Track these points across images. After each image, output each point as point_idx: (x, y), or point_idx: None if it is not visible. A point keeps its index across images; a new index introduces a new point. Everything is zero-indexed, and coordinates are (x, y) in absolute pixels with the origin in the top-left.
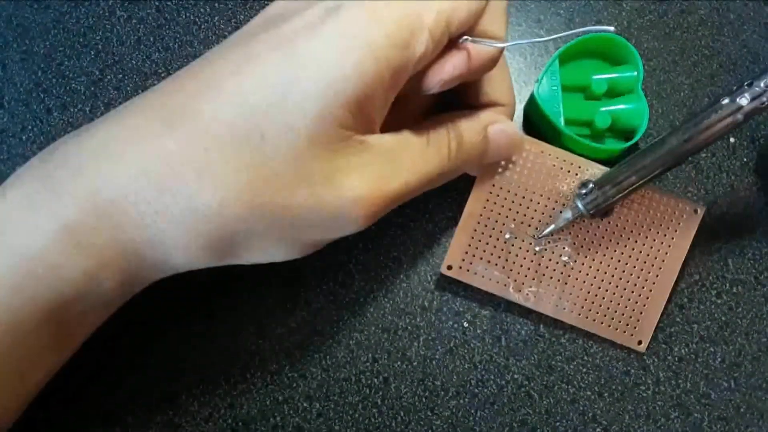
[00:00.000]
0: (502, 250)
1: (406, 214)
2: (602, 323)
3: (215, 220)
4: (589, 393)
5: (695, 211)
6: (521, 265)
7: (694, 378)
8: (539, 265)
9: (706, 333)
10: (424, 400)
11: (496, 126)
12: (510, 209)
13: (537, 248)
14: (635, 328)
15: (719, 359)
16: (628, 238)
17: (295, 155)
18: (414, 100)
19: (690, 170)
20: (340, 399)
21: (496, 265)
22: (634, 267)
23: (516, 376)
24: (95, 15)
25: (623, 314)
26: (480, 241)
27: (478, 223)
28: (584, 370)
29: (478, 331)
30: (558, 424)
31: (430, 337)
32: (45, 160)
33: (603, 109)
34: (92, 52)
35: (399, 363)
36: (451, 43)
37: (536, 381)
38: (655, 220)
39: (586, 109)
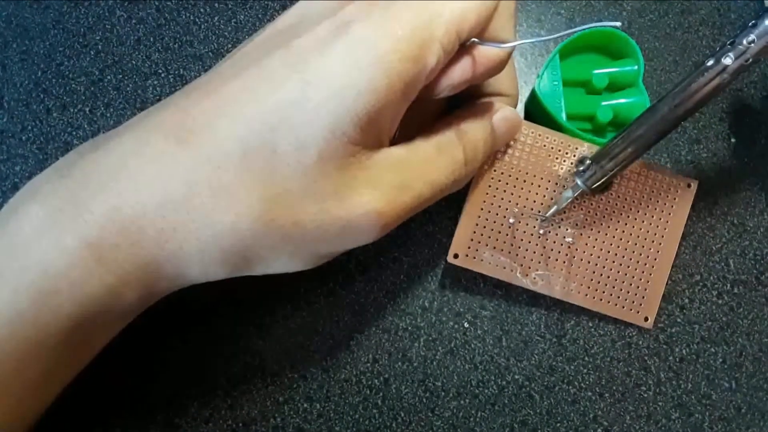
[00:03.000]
0: (507, 235)
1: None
2: (609, 302)
3: (230, 235)
4: (590, 394)
5: (688, 186)
6: (527, 249)
7: (695, 378)
8: (544, 248)
9: (707, 333)
10: (424, 400)
11: (498, 115)
12: (512, 194)
13: (541, 231)
14: (641, 305)
15: (720, 360)
16: (627, 216)
17: (305, 172)
18: (424, 103)
19: (690, 170)
20: (340, 400)
21: (502, 250)
22: (635, 244)
23: (517, 377)
24: (95, 15)
25: (628, 292)
26: (484, 227)
27: (481, 209)
28: (585, 370)
29: (479, 332)
30: (559, 424)
31: (430, 338)
32: (64, 175)
33: (604, 103)
34: (92, 53)
35: (399, 363)
36: (461, 46)
37: (537, 382)
38: (651, 197)
39: (588, 104)
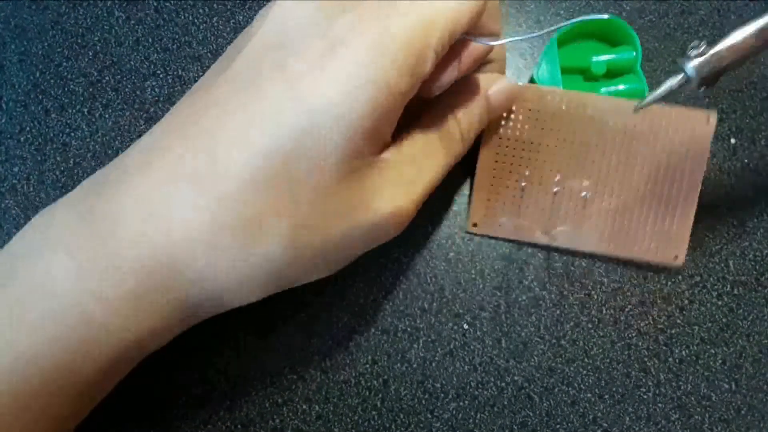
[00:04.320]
0: (522, 198)
1: None
2: (635, 246)
3: (264, 266)
4: (589, 395)
5: (707, 119)
6: (542, 209)
7: (694, 380)
8: (560, 205)
9: (706, 335)
10: (423, 402)
11: (494, 89)
12: (521, 157)
13: (554, 189)
14: (668, 244)
15: (720, 361)
16: (645, 159)
17: (326, 193)
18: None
19: None
20: (339, 401)
21: (519, 213)
22: (656, 185)
23: (516, 378)
24: (93, 16)
25: (654, 233)
26: (498, 193)
27: (493, 177)
28: (584, 372)
29: (478, 333)
30: (558, 426)
31: (429, 339)
32: (86, 219)
33: (603, 89)
34: (90, 53)
35: (399, 365)
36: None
37: (536, 383)
38: (668, 135)
39: (587, 91)
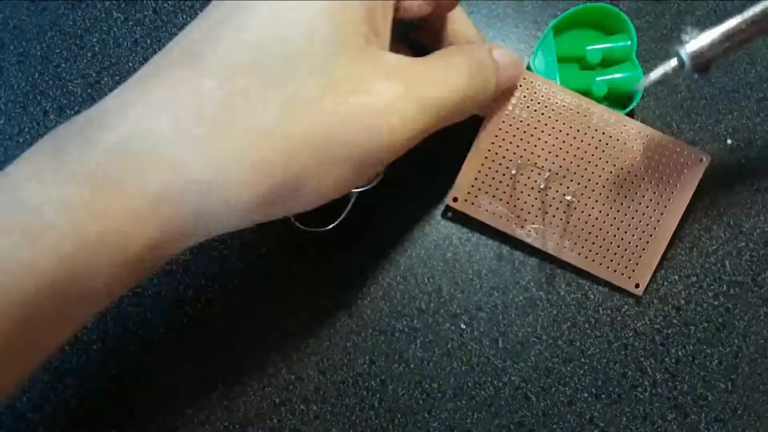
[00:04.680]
0: (508, 185)
1: (404, 215)
2: (601, 264)
3: (255, 145)
4: (586, 395)
5: (701, 160)
6: (525, 202)
7: (691, 380)
8: (543, 203)
9: (703, 335)
10: (421, 402)
11: (497, 51)
12: (518, 146)
13: (542, 185)
14: (633, 270)
15: (716, 361)
16: (632, 182)
17: (317, 68)
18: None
19: None
20: (337, 401)
21: (501, 200)
22: (637, 211)
23: (513, 378)
24: (92, 17)
25: (623, 256)
26: (486, 175)
27: (486, 158)
28: (581, 371)
29: (476, 333)
30: (555, 426)
31: (427, 339)
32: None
33: (599, 78)
34: (89, 54)
35: (396, 365)
36: None
37: (533, 383)
38: (661, 165)
39: (583, 79)
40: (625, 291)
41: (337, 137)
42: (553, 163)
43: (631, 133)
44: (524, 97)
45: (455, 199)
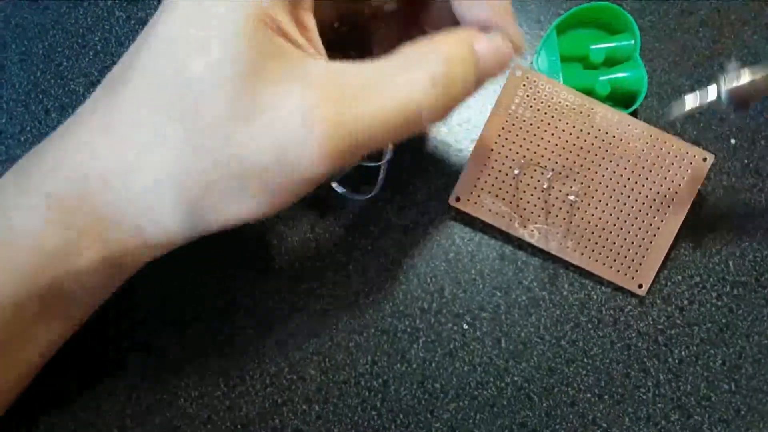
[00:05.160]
0: (511, 185)
1: (405, 215)
2: (604, 264)
3: (168, 174)
4: (589, 395)
5: (704, 159)
6: (528, 202)
7: (694, 380)
8: (546, 202)
9: (706, 335)
10: (423, 402)
11: (482, 42)
12: (521, 145)
13: (545, 185)
14: (636, 271)
15: (720, 361)
16: (636, 182)
17: (223, 87)
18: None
19: None
20: (339, 401)
21: (504, 199)
22: (640, 210)
23: (516, 379)
24: (94, 16)
25: (626, 257)
26: (489, 175)
27: (488, 157)
28: (584, 372)
29: (478, 333)
30: (558, 426)
31: (429, 339)
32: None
33: (602, 77)
34: (91, 53)
35: (398, 365)
36: None
37: (536, 383)
38: (664, 165)
39: (586, 78)
40: (628, 291)
41: (250, 164)
42: (557, 162)
43: (635, 133)
44: (527, 96)
45: (458, 199)
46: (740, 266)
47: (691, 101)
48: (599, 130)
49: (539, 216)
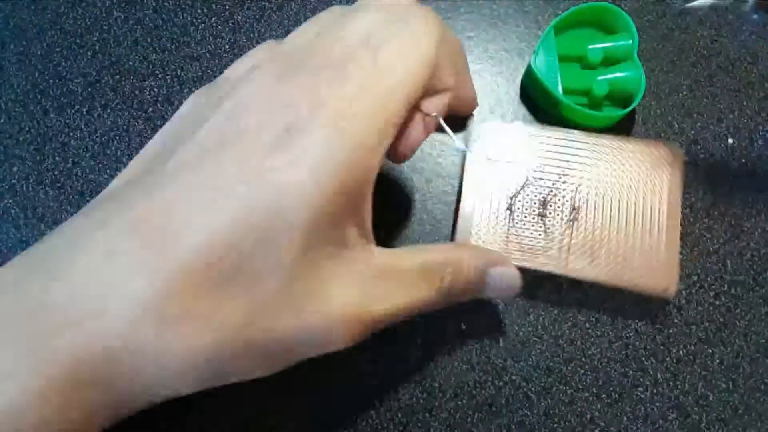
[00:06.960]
0: (503, 225)
1: (405, 214)
2: (625, 277)
3: (205, 356)
4: (587, 394)
5: (676, 152)
6: (527, 236)
7: (692, 379)
8: (546, 232)
9: (704, 334)
10: (422, 401)
11: (498, 269)
12: (500, 187)
13: (540, 216)
14: (659, 274)
15: (717, 361)
16: (627, 194)
17: (281, 282)
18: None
19: (688, 170)
20: (337, 401)
21: (506, 238)
22: (642, 216)
23: (514, 378)
24: (92, 16)
25: (642, 264)
26: (479, 222)
27: (474, 206)
28: (582, 371)
29: (477, 333)
30: (556, 425)
31: (428, 339)
32: (21, 303)
33: (600, 77)
34: (89, 53)
35: (397, 365)
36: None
37: (534, 382)
38: (644, 168)
39: (584, 78)
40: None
41: (285, 346)
42: (545, 194)
43: (606, 147)
44: (499, 143)
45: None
46: (738, 265)
47: None
48: (584, 155)
49: (546, 244)
